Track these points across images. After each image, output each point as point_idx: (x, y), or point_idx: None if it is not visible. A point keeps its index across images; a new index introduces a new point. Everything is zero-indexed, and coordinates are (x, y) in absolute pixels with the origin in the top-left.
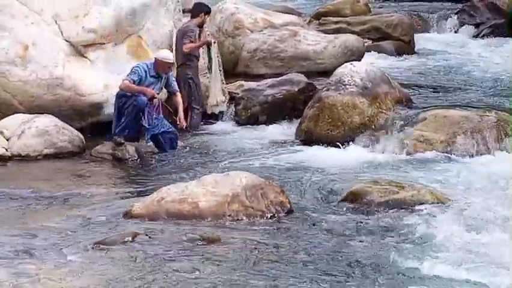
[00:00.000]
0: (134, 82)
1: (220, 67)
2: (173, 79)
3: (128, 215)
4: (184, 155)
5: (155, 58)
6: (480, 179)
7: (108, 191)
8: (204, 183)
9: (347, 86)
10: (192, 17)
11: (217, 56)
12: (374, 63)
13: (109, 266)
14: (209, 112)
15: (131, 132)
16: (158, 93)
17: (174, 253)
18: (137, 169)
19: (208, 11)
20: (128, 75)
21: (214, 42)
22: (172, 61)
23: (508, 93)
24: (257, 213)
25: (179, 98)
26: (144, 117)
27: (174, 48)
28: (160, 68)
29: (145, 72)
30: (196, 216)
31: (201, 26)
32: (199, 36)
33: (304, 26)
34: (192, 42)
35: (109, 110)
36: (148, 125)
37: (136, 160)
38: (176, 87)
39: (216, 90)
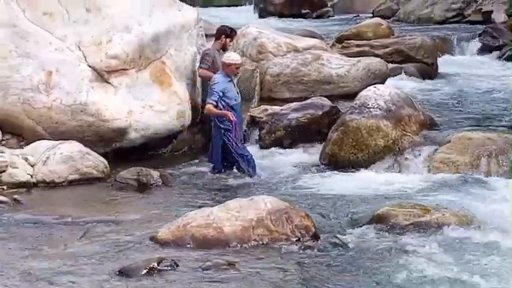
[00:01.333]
0: (216, 103)
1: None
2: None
3: (153, 240)
4: (208, 179)
5: (222, 62)
6: (505, 201)
7: (133, 216)
8: (228, 208)
9: (371, 109)
10: (215, 40)
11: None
12: (397, 86)
13: None
14: None
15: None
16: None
17: (199, 278)
18: (161, 194)
19: (229, 34)
20: (209, 97)
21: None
22: (239, 62)
23: None
24: (282, 237)
25: None
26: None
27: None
28: (229, 70)
29: (223, 81)
30: (221, 241)
31: (223, 49)
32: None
33: (327, 49)
34: (208, 67)
35: (132, 135)
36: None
37: (161, 185)
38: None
39: None
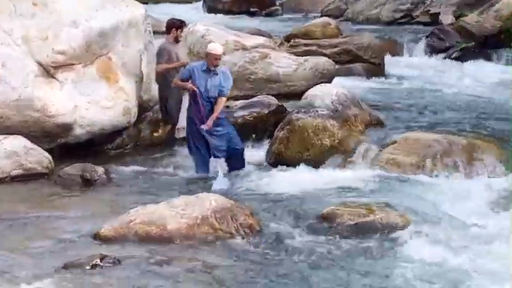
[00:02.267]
0: (182, 80)
1: None
2: (229, 81)
3: (96, 236)
4: (153, 176)
5: (206, 53)
6: (449, 202)
7: (77, 212)
8: (173, 205)
9: (318, 109)
10: (167, 33)
11: None
12: (344, 85)
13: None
14: (176, 137)
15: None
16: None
17: (142, 275)
18: (106, 191)
19: (179, 26)
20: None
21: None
22: (218, 53)
23: (477, 116)
24: (226, 235)
25: (218, 103)
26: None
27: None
28: (208, 60)
29: (196, 69)
30: (164, 238)
31: (176, 41)
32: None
33: (275, 48)
34: (165, 62)
35: (78, 131)
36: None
37: (105, 182)
38: (226, 90)
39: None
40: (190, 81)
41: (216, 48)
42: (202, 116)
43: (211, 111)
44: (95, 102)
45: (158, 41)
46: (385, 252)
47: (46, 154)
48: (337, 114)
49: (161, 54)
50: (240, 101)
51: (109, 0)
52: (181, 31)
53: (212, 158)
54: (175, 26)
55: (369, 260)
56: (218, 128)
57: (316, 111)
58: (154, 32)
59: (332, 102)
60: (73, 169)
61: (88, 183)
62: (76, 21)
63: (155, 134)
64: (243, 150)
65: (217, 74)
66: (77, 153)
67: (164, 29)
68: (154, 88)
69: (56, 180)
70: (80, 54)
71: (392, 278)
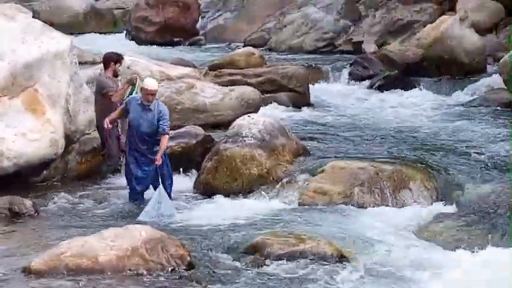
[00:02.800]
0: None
1: None
2: (166, 118)
3: (27, 270)
4: (81, 208)
5: (141, 88)
6: (376, 231)
7: (5, 246)
8: (103, 237)
9: (245, 138)
10: (105, 68)
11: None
12: (270, 115)
13: None
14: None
15: None
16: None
17: None
18: (35, 224)
19: (117, 60)
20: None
21: (136, 79)
22: (153, 89)
23: (402, 144)
24: (157, 266)
25: (164, 140)
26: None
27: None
28: (142, 95)
29: (132, 101)
30: (96, 270)
31: (115, 75)
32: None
33: (200, 78)
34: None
35: (5, 163)
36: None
37: (34, 214)
38: (165, 127)
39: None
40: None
41: (150, 84)
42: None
43: (146, 144)
44: (21, 135)
45: (85, 72)
46: (316, 280)
47: None
48: (264, 144)
49: (106, 84)
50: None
51: (34, 31)
52: (120, 65)
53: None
54: (113, 60)
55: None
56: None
57: (244, 140)
58: (79, 63)
59: (260, 132)
60: (0, 202)
61: (16, 216)
62: (1, 53)
63: (82, 166)
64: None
65: (151, 110)
66: (4, 186)
67: (88, 59)
68: (81, 119)
69: None
70: (6, 86)
71: None
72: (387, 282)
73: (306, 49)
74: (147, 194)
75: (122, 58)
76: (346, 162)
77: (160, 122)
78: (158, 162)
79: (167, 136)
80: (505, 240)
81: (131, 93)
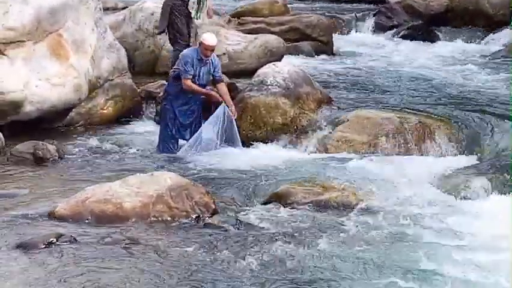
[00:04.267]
0: (193, 77)
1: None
2: (219, 67)
3: (51, 215)
4: (106, 154)
5: (199, 41)
6: (401, 181)
7: (30, 191)
8: (128, 184)
9: (270, 87)
10: None
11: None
12: (294, 63)
13: (32, 267)
14: None
15: None
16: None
17: (98, 254)
18: (59, 169)
19: None
20: (185, 73)
21: None
22: (212, 44)
23: (426, 95)
24: (182, 214)
25: (224, 87)
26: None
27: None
28: (202, 51)
29: (193, 58)
30: (120, 216)
31: None
32: None
33: (224, 25)
34: None
35: (28, 108)
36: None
37: (58, 160)
38: (221, 75)
39: None
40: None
41: (210, 39)
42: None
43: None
44: (45, 79)
45: (108, 18)
46: (340, 229)
47: None
48: (289, 92)
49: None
50: None
51: None
52: None
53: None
54: None
55: (325, 237)
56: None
57: (269, 89)
58: (104, 9)
59: (284, 80)
60: (24, 147)
61: (40, 161)
62: None
63: (105, 112)
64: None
65: (207, 63)
66: (28, 131)
67: (111, 5)
68: (104, 65)
69: (7, 158)
70: (30, 31)
71: (347, 257)
72: (409, 231)
73: None
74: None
75: None
76: (370, 112)
77: (216, 71)
78: (235, 114)
79: (223, 83)
80: None
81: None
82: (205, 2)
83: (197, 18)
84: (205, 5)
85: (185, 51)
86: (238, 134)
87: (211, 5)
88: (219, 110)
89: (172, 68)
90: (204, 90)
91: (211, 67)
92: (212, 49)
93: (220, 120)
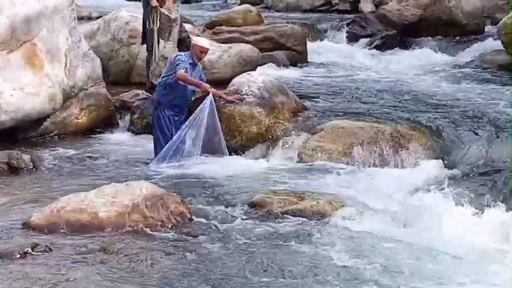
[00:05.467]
0: (186, 71)
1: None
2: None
3: (26, 225)
4: (81, 164)
5: (193, 44)
6: (375, 190)
7: (4, 201)
8: (103, 193)
9: (244, 96)
10: None
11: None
12: (269, 73)
13: (7, 277)
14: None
15: None
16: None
17: (73, 264)
18: (33, 178)
19: None
20: (178, 65)
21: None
22: (206, 47)
23: (401, 104)
24: (157, 223)
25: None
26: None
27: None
28: (194, 54)
29: (186, 61)
30: (96, 226)
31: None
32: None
33: (199, 35)
34: None
35: (2, 117)
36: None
37: (32, 169)
38: (204, 78)
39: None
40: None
41: (204, 42)
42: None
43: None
44: (19, 89)
45: (83, 27)
46: (314, 238)
47: None
48: (264, 102)
49: None
50: None
51: None
52: None
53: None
54: None
55: (301, 246)
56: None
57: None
58: (78, 18)
59: (259, 90)
60: None
61: (14, 170)
62: (0, 7)
63: (80, 121)
64: None
65: (197, 66)
66: (2, 140)
67: (85, 14)
68: (79, 74)
69: None
70: (4, 40)
71: (324, 264)
72: (385, 240)
73: (304, 8)
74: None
75: None
76: (346, 122)
77: (202, 75)
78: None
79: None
80: (505, 201)
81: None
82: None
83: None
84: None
85: (178, 55)
86: (223, 140)
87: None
88: (206, 99)
89: (149, 77)
90: (195, 80)
91: (199, 71)
92: (206, 51)
93: (206, 107)
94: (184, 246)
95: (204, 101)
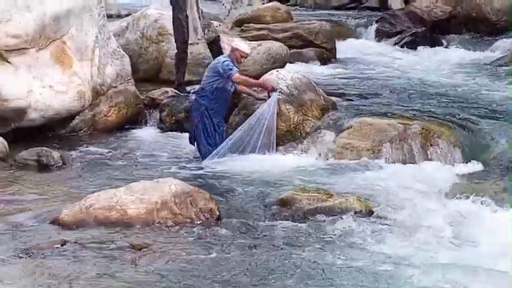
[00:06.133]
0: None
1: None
2: None
3: (56, 222)
4: (110, 161)
5: (233, 48)
6: (405, 188)
7: (35, 197)
8: (133, 190)
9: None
10: None
11: None
12: (297, 70)
13: (37, 273)
14: None
15: None
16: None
17: (103, 260)
18: (63, 175)
19: None
20: (230, 70)
21: None
22: (248, 52)
23: (430, 102)
24: (186, 220)
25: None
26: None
27: None
28: (235, 58)
29: (233, 64)
30: (125, 223)
31: None
32: None
33: (227, 32)
34: None
35: (32, 115)
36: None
37: (61, 166)
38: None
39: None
40: None
41: (246, 47)
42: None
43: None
44: (49, 87)
45: (111, 25)
46: (344, 235)
47: (0, 139)
48: (292, 99)
49: None
50: (196, 86)
51: None
52: None
53: None
54: None
55: (330, 243)
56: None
57: None
58: (107, 16)
59: (288, 87)
60: (28, 154)
61: (44, 167)
62: (30, 5)
63: (109, 118)
64: None
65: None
66: (32, 138)
67: (115, 12)
68: (108, 72)
69: (12, 164)
70: (33, 38)
71: (352, 263)
72: (414, 237)
73: (332, 5)
74: None
75: None
76: (374, 119)
77: None
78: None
79: None
80: None
81: None
82: None
83: None
84: None
85: (224, 60)
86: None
87: None
88: (272, 97)
89: (177, 75)
90: (257, 81)
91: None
92: (246, 57)
93: (271, 107)
94: (213, 244)
95: (269, 101)
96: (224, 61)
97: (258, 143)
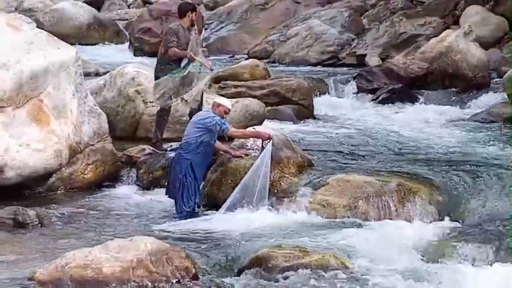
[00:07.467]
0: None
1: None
2: None
3: (31, 281)
4: (87, 219)
5: (217, 103)
6: (381, 244)
7: (10, 256)
8: (108, 249)
9: (250, 151)
10: (180, 18)
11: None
12: (274, 127)
13: None
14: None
15: None
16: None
17: None
18: (38, 234)
19: (193, 8)
20: (224, 125)
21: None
22: (230, 108)
23: (407, 158)
24: (162, 278)
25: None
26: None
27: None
28: (221, 113)
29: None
30: (100, 282)
31: (192, 25)
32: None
33: (205, 90)
34: (176, 45)
35: (9, 173)
36: None
37: (37, 225)
38: None
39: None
40: None
41: (229, 103)
42: None
43: None
44: (25, 145)
45: (89, 82)
46: None
47: None
48: None
49: (170, 38)
50: (174, 144)
51: (40, 41)
52: (195, 14)
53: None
54: (191, 8)
55: None
56: None
57: (249, 153)
58: (84, 74)
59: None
60: (4, 212)
61: (20, 226)
62: (6, 64)
63: (86, 177)
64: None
65: None
66: (8, 196)
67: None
68: (85, 130)
69: None
70: (10, 97)
71: None
72: None
73: (310, 62)
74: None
75: (198, 5)
76: (351, 176)
77: None
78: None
79: None
80: (510, 256)
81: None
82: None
83: None
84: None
85: (212, 116)
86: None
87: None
88: (266, 148)
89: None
90: (252, 132)
91: None
92: (229, 112)
93: (267, 157)
94: None
95: (265, 151)
96: (214, 117)
97: (255, 195)
